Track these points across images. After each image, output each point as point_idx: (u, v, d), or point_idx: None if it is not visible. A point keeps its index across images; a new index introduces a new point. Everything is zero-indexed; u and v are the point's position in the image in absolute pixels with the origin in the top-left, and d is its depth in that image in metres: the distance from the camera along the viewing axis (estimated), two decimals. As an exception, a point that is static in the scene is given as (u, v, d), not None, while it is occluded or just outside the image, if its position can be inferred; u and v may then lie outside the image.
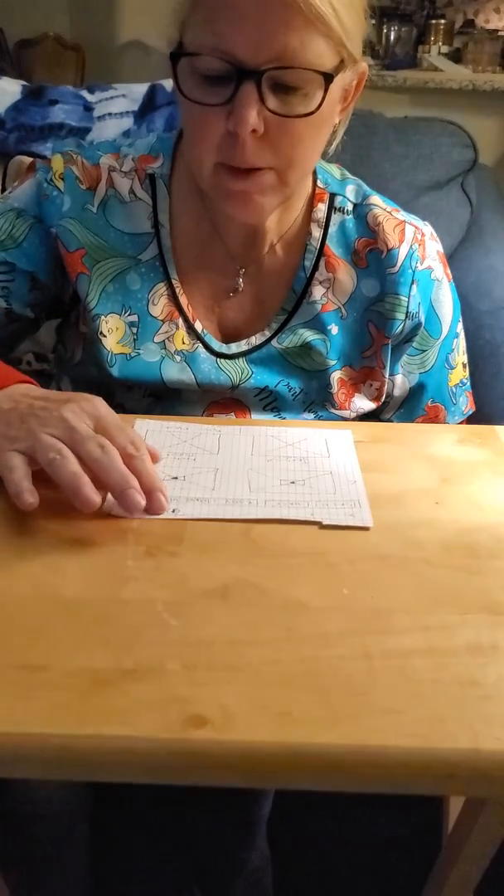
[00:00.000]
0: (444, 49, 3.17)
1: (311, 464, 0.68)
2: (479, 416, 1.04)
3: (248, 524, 0.59)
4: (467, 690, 0.45)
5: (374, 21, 3.18)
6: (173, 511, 0.61)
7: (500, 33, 3.20)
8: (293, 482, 0.65)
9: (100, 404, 0.62)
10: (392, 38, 3.17)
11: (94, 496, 0.56)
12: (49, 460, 0.57)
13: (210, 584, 0.53)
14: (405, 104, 2.81)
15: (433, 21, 3.25)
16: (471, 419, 1.01)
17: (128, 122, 1.33)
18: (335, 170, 0.87)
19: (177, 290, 0.82)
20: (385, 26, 3.20)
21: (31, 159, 1.19)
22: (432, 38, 3.19)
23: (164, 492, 0.59)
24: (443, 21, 3.26)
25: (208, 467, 0.67)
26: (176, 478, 0.65)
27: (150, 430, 0.73)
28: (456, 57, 3.15)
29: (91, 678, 0.45)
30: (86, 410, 0.60)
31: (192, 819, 0.84)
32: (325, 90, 0.66)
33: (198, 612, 0.51)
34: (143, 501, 0.57)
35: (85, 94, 1.38)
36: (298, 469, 0.67)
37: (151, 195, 0.82)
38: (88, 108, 1.35)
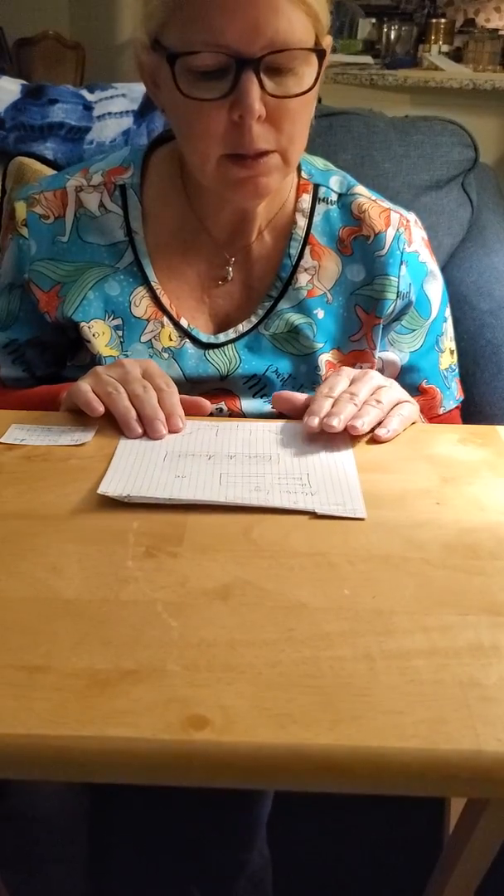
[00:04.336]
0: (445, 48, 3.18)
1: (307, 457, 0.69)
2: (479, 416, 1.04)
3: (248, 524, 0.59)
4: (468, 691, 0.45)
5: (373, 20, 3.16)
6: (170, 498, 0.61)
7: (500, 32, 3.20)
8: (289, 474, 0.66)
9: (150, 362, 0.77)
10: (392, 37, 3.17)
11: (137, 428, 0.70)
12: (106, 393, 0.71)
13: (210, 585, 0.53)
14: (405, 103, 2.81)
15: (434, 20, 3.25)
16: (472, 419, 1.01)
17: (128, 122, 1.33)
18: (318, 161, 0.89)
19: (157, 291, 0.84)
20: (385, 25, 3.20)
21: (32, 161, 1.19)
22: (433, 38, 3.20)
23: (182, 417, 0.72)
24: (443, 20, 3.26)
25: (206, 463, 0.67)
26: (177, 476, 0.65)
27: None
28: (456, 56, 3.15)
29: (91, 679, 0.45)
30: (138, 362, 0.76)
31: (192, 820, 0.84)
32: (320, 65, 0.70)
33: (198, 612, 0.50)
34: (164, 431, 0.71)
35: (85, 93, 1.37)
36: (294, 462, 0.68)
37: (122, 205, 0.84)
38: (88, 107, 1.34)
